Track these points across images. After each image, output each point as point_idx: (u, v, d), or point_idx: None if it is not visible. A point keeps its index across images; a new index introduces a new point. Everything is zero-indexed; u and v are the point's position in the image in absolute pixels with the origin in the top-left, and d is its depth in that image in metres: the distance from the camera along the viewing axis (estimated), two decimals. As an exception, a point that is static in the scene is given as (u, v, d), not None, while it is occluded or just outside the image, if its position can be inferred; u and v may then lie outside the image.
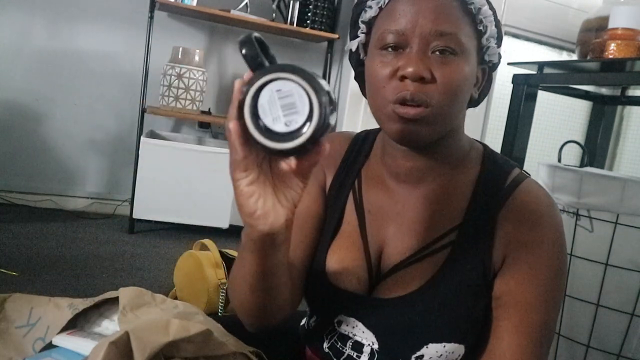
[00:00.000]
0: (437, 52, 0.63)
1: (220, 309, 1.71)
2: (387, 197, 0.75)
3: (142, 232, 2.67)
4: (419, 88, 0.63)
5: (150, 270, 2.16)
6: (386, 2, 0.67)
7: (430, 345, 0.67)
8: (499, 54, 0.71)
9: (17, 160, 2.80)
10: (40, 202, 2.84)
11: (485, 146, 0.78)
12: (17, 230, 2.39)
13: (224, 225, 2.65)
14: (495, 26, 0.68)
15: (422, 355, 0.68)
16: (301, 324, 0.88)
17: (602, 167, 2.06)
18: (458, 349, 0.68)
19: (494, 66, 0.73)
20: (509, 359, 0.66)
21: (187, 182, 2.59)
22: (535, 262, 0.66)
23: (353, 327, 0.72)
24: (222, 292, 1.70)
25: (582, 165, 1.67)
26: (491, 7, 0.68)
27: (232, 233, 2.68)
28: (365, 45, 0.72)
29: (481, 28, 0.67)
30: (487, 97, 1.95)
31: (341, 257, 0.74)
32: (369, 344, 0.72)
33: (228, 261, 1.80)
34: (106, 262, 2.16)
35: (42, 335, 0.66)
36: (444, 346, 0.67)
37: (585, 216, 1.45)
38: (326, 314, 0.76)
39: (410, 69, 0.62)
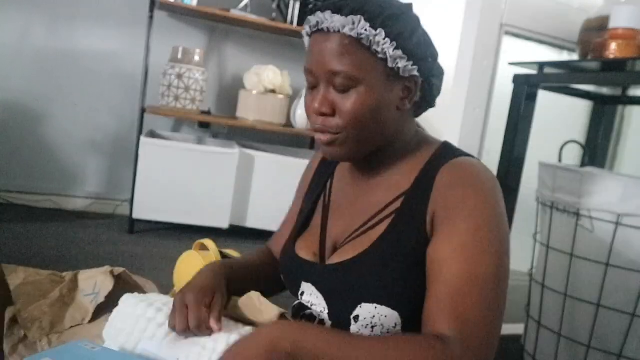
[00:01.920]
0: (337, 89, 0.74)
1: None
2: (347, 193, 0.87)
3: (142, 232, 2.67)
4: (324, 121, 0.75)
5: (150, 270, 2.16)
6: (308, 40, 0.79)
7: (363, 305, 0.73)
8: (423, 65, 0.75)
9: (17, 160, 2.80)
10: (40, 202, 2.84)
11: (446, 142, 0.83)
12: (17, 230, 2.39)
13: (224, 225, 2.65)
14: (399, 47, 0.71)
15: (358, 316, 0.74)
16: None
17: (602, 167, 2.05)
18: (391, 314, 0.72)
19: (427, 74, 0.77)
20: (433, 314, 0.67)
21: (187, 182, 2.59)
22: (454, 218, 0.70)
23: (310, 294, 0.81)
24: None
25: (582, 165, 1.66)
26: (393, 31, 0.71)
27: (232, 233, 2.68)
28: None
29: (381, 56, 0.72)
30: (487, 97, 1.95)
31: (306, 242, 0.87)
32: (320, 311, 0.79)
33: (228, 261, 1.80)
34: (106, 262, 2.13)
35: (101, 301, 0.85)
36: (376, 307, 0.72)
37: (586, 216, 1.45)
38: (294, 285, 0.86)
39: (315, 105, 0.75)
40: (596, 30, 1.65)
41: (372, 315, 0.73)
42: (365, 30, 0.70)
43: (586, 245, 1.46)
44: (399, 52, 0.72)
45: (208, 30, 3.03)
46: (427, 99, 0.81)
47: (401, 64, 0.73)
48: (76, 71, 2.83)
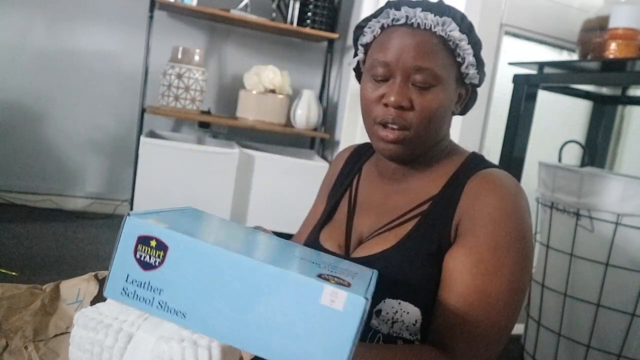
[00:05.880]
0: (417, 84, 0.74)
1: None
2: (374, 192, 0.87)
3: (142, 232, 2.67)
4: (399, 114, 0.74)
5: (150, 270, 2.16)
6: (378, 32, 0.78)
7: (387, 300, 0.74)
8: (481, 75, 0.81)
9: (17, 160, 2.80)
10: (40, 202, 2.84)
11: (474, 152, 0.85)
12: (17, 230, 2.39)
13: (224, 225, 2.64)
14: (474, 55, 0.77)
15: (380, 310, 0.74)
16: None
17: (602, 167, 2.05)
18: (413, 311, 0.73)
19: (477, 84, 0.82)
20: (443, 325, 0.70)
21: (187, 182, 2.59)
22: (477, 231, 0.71)
23: None
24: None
25: (582, 165, 1.67)
26: (472, 39, 0.76)
27: (232, 233, 2.67)
28: (364, 62, 0.82)
29: (459, 60, 0.76)
30: (487, 97, 1.95)
31: (330, 234, 0.88)
32: None
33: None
34: (106, 262, 2.15)
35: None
36: (399, 303, 0.74)
37: (586, 216, 1.45)
38: None
39: (392, 99, 0.74)
40: (596, 30, 1.65)
41: (394, 310, 0.73)
42: (455, 33, 0.74)
43: (586, 245, 1.47)
44: (474, 60, 0.77)
45: (208, 30, 3.03)
46: (466, 107, 0.85)
47: (471, 71, 0.77)
48: (76, 71, 2.83)
